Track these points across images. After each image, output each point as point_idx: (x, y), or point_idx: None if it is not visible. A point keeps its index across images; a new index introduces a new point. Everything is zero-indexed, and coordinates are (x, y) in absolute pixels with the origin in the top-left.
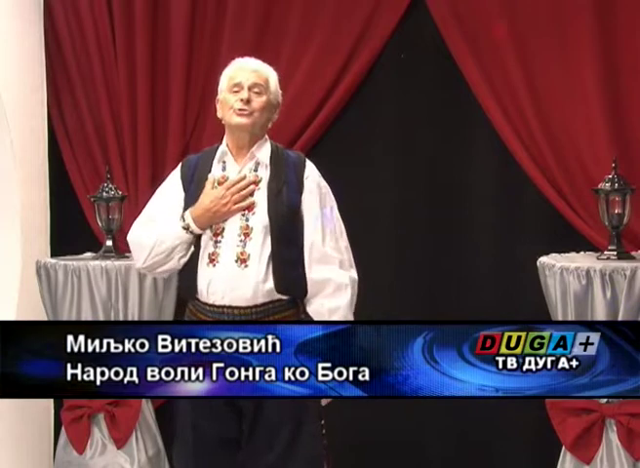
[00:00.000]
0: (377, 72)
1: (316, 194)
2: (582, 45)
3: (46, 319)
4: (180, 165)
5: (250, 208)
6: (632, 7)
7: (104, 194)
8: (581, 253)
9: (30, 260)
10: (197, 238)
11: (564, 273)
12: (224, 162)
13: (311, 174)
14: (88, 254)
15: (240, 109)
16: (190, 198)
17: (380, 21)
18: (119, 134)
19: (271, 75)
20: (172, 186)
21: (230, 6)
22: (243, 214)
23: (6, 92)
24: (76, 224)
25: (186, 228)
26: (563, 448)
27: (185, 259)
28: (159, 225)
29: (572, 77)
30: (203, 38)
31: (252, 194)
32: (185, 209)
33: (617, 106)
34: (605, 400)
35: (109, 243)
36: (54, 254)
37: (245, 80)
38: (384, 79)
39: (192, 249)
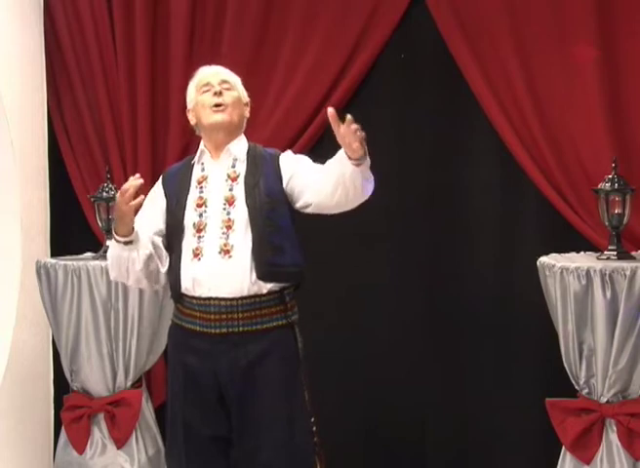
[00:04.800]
0: (377, 72)
1: (293, 156)
2: (582, 45)
3: (46, 319)
4: (161, 176)
5: (230, 202)
6: (632, 7)
7: (104, 194)
8: (581, 253)
9: (30, 260)
10: (179, 238)
11: (564, 273)
12: (203, 163)
13: (285, 157)
14: (88, 254)
15: (216, 105)
16: (172, 203)
17: (380, 21)
18: (119, 134)
19: (236, 79)
20: (153, 197)
21: (230, 7)
22: (224, 209)
23: (6, 92)
24: (76, 224)
25: (114, 238)
26: (563, 448)
27: (141, 265)
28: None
29: (572, 77)
30: (203, 38)
31: (135, 196)
32: (168, 214)
33: (617, 106)
34: (605, 400)
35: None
36: (54, 254)
37: (213, 79)
38: (384, 79)
39: (147, 252)
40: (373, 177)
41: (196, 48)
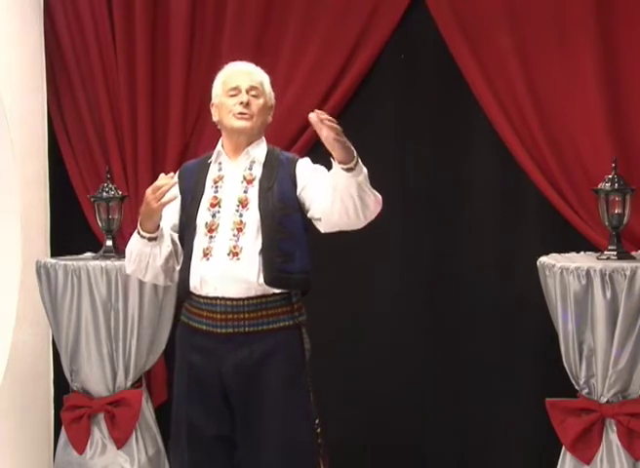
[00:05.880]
0: (377, 72)
1: (311, 165)
2: (582, 46)
3: (46, 319)
4: (177, 172)
5: (243, 204)
6: (632, 8)
7: (104, 194)
8: (581, 253)
9: (30, 260)
10: (190, 236)
11: (564, 273)
12: (220, 163)
13: (303, 164)
14: (88, 254)
15: (240, 113)
16: (186, 201)
17: (380, 21)
18: (119, 134)
19: (265, 78)
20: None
21: (230, 6)
22: (237, 210)
23: (6, 92)
24: (76, 224)
25: (138, 232)
26: (563, 448)
27: (162, 260)
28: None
29: (572, 77)
30: (203, 38)
31: (161, 197)
32: (182, 211)
33: (617, 106)
34: (605, 400)
35: (109, 243)
36: (54, 254)
37: (242, 83)
38: (384, 79)
39: (169, 249)
40: (380, 195)
41: (196, 48)
